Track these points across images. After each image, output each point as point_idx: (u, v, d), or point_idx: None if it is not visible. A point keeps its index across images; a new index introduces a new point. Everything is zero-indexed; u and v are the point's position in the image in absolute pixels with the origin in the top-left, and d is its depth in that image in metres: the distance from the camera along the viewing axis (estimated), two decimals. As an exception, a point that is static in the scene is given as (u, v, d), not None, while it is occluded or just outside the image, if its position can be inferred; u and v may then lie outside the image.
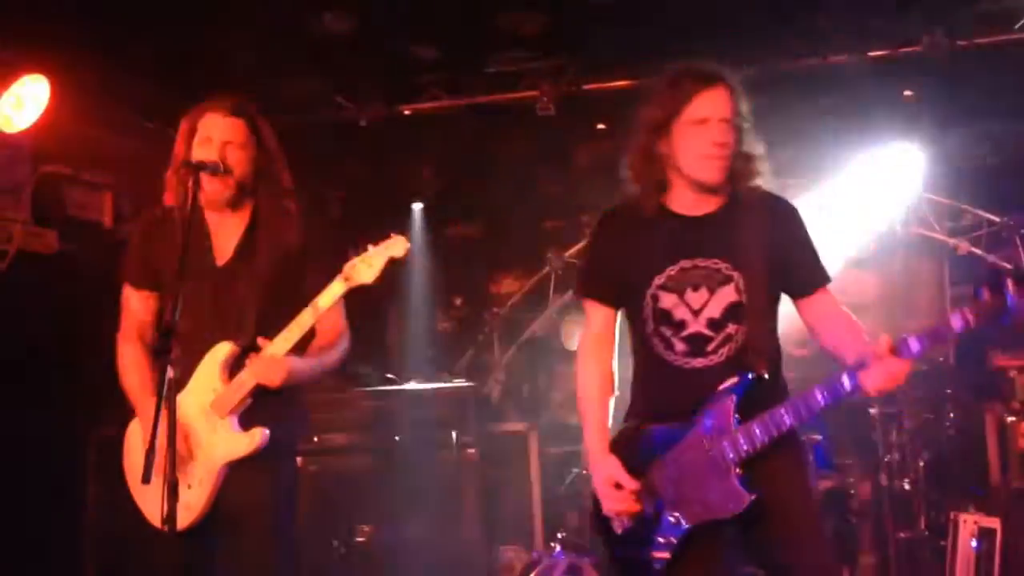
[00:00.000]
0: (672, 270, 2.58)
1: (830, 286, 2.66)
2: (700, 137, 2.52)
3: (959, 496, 4.89)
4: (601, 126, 6.26)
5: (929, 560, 4.74)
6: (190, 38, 4.62)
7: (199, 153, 2.92)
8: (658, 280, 2.59)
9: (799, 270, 2.63)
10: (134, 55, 4.40)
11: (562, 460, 6.14)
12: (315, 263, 2.99)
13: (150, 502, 2.90)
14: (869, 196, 6.07)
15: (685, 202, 2.63)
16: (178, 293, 2.62)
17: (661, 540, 2.52)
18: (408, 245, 2.83)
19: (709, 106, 2.52)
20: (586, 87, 5.52)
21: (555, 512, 5.97)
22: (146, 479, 2.44)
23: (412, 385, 6.20)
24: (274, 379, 2.88)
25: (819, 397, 2.43)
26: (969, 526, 4.55)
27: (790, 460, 2.57)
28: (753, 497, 2.44)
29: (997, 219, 5.95)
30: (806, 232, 2.67)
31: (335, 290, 2.89)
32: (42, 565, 4.12)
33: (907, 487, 4.99)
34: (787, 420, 2.45)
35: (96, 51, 4.18)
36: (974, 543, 4.53)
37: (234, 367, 2.95)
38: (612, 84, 5.54)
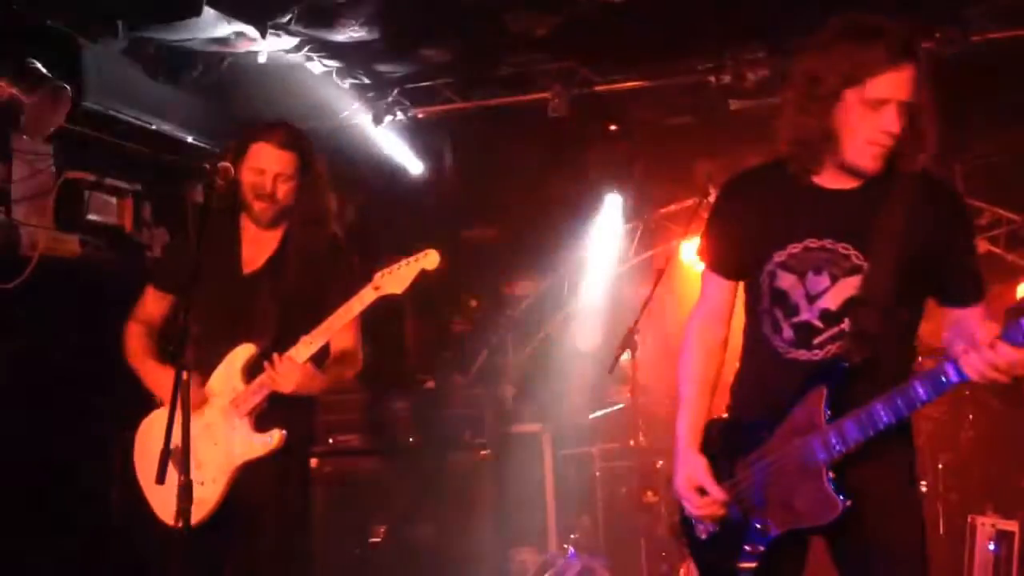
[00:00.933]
0: (795, 247, 2.30)
1: None
2: (874, 120, 2.18)
3: (977, 499, 4.88)
4: (613, 127, 6.26)
5: (947, 563, 4.73)
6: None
7: (250, 181, 3.07)
8: (778, 257, 2.32)
9: (948, 278, 2.30)
10: (152, 59, 4.42)
11: (576, 461, 6.15)
12: (338, 282, 3.06)
13: (161, 500, 2.95)
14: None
15: (828, 176, 2.31)
16: (190, 297, 2.69)
17: (748, 548, 2.31)
18: (439, 258, 2.89)
19: (893, 87, 2.15)
20: (597, 88, 5.52)
21: (568, 513, 5.98)
22: (160, 479, 2.48)
23: (427, 386, 6.23)
24: (287, 385, 2.93)
25: (920, 391, 2.13)
26: (987, 529, 4.54)
27: (893, 466, 2.30)
28: (848, 504, 2.18)
29: (1016, 217, 5.93)
30: (967, 231, 2.35)
31: (366, 298, 2.95)
32: (71, 567, 4.16)
33: (924, 489, 4.98)
34: (884, 417, 2.15)
35: (116, 56, 4.21)
36: (992, 546, 4.52)
37: (253, 369, 3.01)
38: (623, 85, 5.54)
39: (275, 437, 2.96)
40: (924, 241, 2.26)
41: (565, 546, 5.64)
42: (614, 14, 4.71)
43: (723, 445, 2.41)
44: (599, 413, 6.01)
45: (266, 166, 3.06)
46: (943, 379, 2.11)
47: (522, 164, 6.39)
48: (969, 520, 4.63)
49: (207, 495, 2.91)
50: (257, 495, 2.97)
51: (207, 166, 2.84)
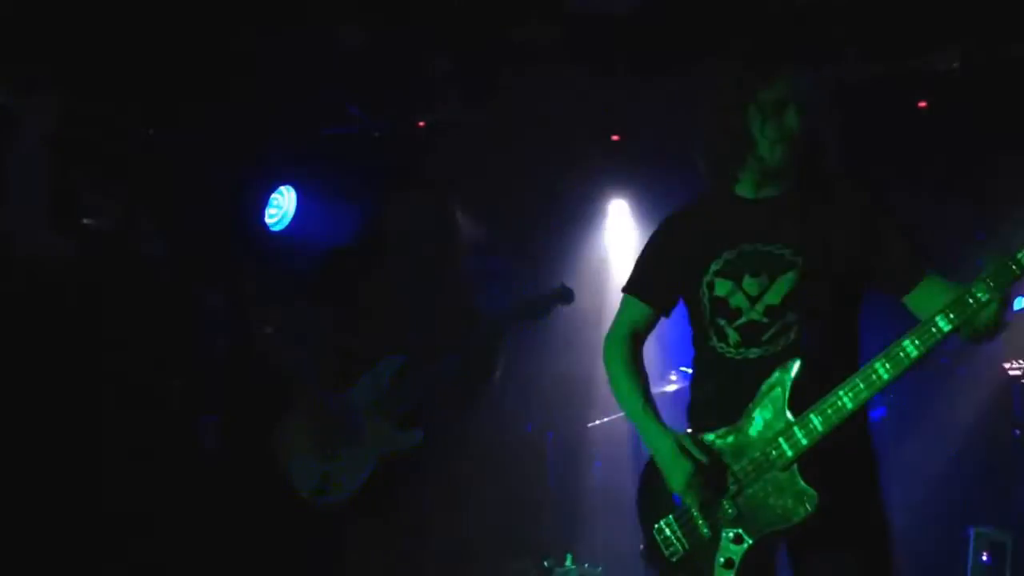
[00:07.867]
0: (730, 254, 2.42)
1: None
2: (775, 121, 2.38)
3: (971, 509, 4.87)
4: (615, 137, 6.26)
5: (941, 574, 4.72)
6: (210, 50, 4.69)
7: None
8: (715, 266, 2.43)
9: (888, 260, 2.38)
10: (152, 65, 4.48)
11: (575, 469, 6.15)
12: None
13: None
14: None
15: (749, 186, 2.49)
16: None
17: (722, 560, 2.32)
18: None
19: (788, 89, 2.39)
20: (601, 98, 5.54)
21: (568, 519, 5.97)
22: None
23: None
24: None
25: (880, 370, 2.19)
26: (981, 539, 4.54)
27: (854, 471, 2.36)
28: (821, 497, 2.22)
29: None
30: (888, 214, 2.42)
31: None
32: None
33: (919, 499, 4.97)
34: (847, 404, 2.21)
35: (113, 60, 4.27)
36: (985, 556, 4.51)
37: None
38: (626, 95, 5.55)
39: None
40: (850, 233, 2.38)
41: (564, 553, 5.64)
42: (616, 23, 4.75)
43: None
44: (599, 422, 6.01)
45: None
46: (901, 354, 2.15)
47: (525, 172, 6.39)
48: (963, 530, 4.63)
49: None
50: None
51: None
